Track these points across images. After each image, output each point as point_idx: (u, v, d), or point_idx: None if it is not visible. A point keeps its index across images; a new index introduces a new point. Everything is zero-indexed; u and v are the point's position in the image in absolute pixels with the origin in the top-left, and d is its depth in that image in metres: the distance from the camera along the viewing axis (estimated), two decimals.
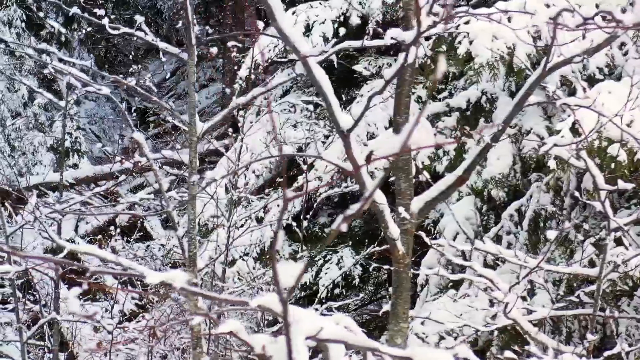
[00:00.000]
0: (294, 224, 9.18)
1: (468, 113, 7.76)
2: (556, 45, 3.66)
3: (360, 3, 11.62)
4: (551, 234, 4.76)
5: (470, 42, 7.13)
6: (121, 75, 6.94)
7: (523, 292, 5.51)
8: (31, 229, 11.00)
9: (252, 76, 11.86)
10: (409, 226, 4.65)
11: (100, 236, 19.24)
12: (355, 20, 11.59)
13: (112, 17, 28.13)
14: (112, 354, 11.37)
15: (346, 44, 5.98)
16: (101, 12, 7.35)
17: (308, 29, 11.56)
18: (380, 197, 4.41)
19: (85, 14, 6.76)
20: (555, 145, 5.03)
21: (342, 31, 8.32)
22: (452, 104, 7.79)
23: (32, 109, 21.62)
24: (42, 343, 10.13)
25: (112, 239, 16.85)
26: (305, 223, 8.90)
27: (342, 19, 11.65)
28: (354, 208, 1.59)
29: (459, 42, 7.17)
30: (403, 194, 4.67)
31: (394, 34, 3.97)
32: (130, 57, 28.85)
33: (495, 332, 6.71)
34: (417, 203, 4.69)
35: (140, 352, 11.09)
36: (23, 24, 22.47)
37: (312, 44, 11.39)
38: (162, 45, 6.75)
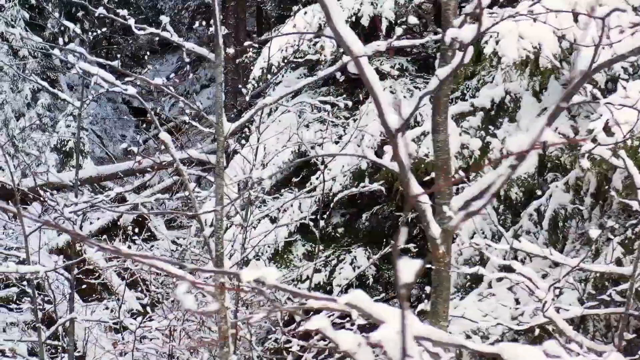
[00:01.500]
0: (312, 223, 9.19)
1: (492, 113, 7.79)
2: (603, 45, 3.67)
3: (372, 3, 11.64)
4: (593, 233, 4.78)
5: (497, 42, 7.16)
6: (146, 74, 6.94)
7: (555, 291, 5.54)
8: (47, 228, 11.02)
9: (269, 76, 11.90)
10: (449, 225, 4.66)
11: (104, 236, 19.29)
12: (366, 20, 11.62)
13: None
14: (123, 353, 11.40)
15: (375, 44, 5.99)
16: (124, 12, 7.36)
17: (320, 29, 11.58)
18: (423, 196, 4.42)
19: (112, 15, 6.76)
20: (599, 144, 5.05)
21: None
22: (477, 103, 7.82)
23: (36, 109, 21.62)
24: (58, 343, 10.12)
25: (116, 239, 16.89)
26: (322, 223, 8.91)
27: (354, 19, 11.67)
28: (476, 205, 1.60)
29: (486, 42, 7.20)
30: (443, 193, 4.69)
31: (452, 34, 3.98)
32: (143, 52, 28.82)
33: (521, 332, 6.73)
34: (457, 202, 4.70)
35: (149, 352, 11.11)
36: (23, 24, 22.52)
37: (321, 43, 11.42)
38: (189, 45, 6.76)
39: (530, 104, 7.76)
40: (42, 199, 17.52)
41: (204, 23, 9.92)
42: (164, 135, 6.74)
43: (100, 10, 6.85)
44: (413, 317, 2.38)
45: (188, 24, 28.72)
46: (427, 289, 8.98)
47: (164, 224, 21.89)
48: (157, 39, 32.19)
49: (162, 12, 28.31)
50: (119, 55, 14.38)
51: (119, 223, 21.24)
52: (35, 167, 21.24)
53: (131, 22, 6.85)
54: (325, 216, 10.12)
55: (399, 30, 4.85)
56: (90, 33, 9.70)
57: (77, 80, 26.05)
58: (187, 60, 7.52)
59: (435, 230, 4.60)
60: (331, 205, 9.10)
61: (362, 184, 9.09)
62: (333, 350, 8.90)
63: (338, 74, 7.73)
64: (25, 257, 8.79)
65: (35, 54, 22.31)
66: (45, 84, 9.77)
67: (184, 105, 7.88)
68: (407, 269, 1.76)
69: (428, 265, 6.32)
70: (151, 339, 12.38)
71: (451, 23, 4.68)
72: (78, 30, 8.22)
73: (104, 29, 10.10)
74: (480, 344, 2.54)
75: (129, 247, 18.99)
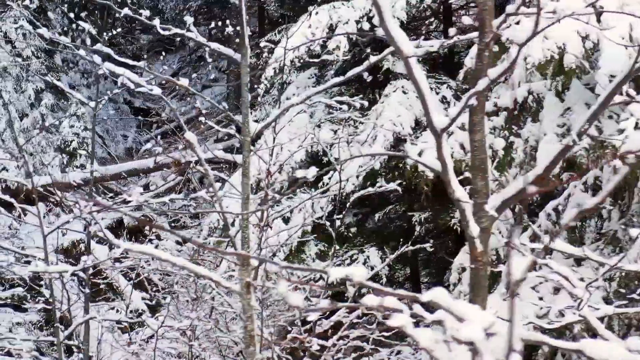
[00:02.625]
0: (327, 223, 9.21)
1: (515, 112, 7.83)
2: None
3: None
4: (634, 232, 4.81)
5: None
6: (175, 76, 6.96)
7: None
8: (57, 228, 11.03)
9: (284, 76, 11.91)
10: (487, 224, 4.70)
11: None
12: (377, 20, 11.63)
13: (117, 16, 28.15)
14: (132, 354, 11.42)
15: (427, 44, 6.00)
16: (146, 12, 7.37)
17: (331, 29, 11.61)
18: (464, 196, 4.45)
19: (136, 16, 6.78)
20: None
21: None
22: (500, 103, 7.86)
23: (40, 109, 21.63)
24: (73, 342, 10.13)
25: (120, 238, 16.89)
26: (338, 222, 8.94)
27: (365, 19, 11.69)
28: (590, 203, 1.63)
29: (510, 42, 7.19)
30: (479, 193, 4.71)
31: (509, 35, 4.01)
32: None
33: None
34: (493, 201, 4.73)
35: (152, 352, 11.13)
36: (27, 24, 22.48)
37: (335, 43, 11.45)
38: (214, 45, 6.80)
39: (552, 103, 7.80)
40: (53, 199, 17.55)
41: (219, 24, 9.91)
42: (189, 135, 6.75)
43: (125, 11, 6.86)
44: (492, 316, 2.41)
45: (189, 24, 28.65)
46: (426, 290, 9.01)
47: (168, 224, 21.92)
48: (154, 38, 32.24)
49: (163, 12, 28.30)
50: (110, 56, 14.37)
51: (124, 223, 21.34)
52: (39, 167, 21.26)
53: (156, 22, 6.86)
54: (342, 216, 10.16)
55: (452, 31, 4.84)
56: (105, 34, 9.69)
57: (79, 80, 26.06)
58: (209, 60, 7.53)
59: (474, 229, 4.64)
60: (347, 205, 9.12)
61: (378, 184, 9.11)
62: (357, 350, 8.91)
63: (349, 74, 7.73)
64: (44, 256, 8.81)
65: (39, 54, 22.32)
66: (60, 84, 9.76)
67: (209, 104, 7.89)
68: (518, 266, 1.79)
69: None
70: (158, 339, 12.40)
71: (489, 24, 4.70)
72: (93, 31, 8.23)
73: (119, 29, 10.07)
74: (560, 340, 2.57)
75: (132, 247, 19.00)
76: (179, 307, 10.58)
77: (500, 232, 9.01)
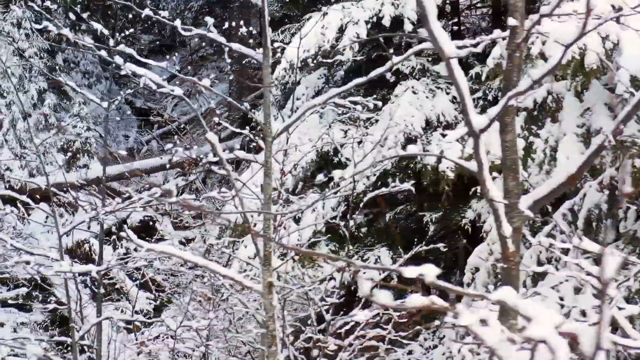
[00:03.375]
0: (342, 223, 9.23)
1: (535, 113, 7.86)
2: None
3: (392, 4, 11.69)
4: None
5: (543, 43, 7.22)
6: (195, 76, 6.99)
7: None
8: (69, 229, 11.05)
9: (298, 76, 11.92)
10: (519, 224, 4.72)
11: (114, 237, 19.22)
12: (387, 21, 11.66)
13: (119, 16, 28.16)
14: (146, 354, 11.43)
15: (469, 43, 6.00)
16: (165, 13, 7.39)
17: (341, 30, 11.63)
18: (498, 196, 4.48)
19: (158, 17, 6.80)
20: None
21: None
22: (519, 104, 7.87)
23: (43, 109, 21.62)
24: (86, 342, 10.11)
25: (123, 239, 16.89)
26: (351, 223, 8.96)
27: (375, 19, 11.71)
28: None
29: (532, 43, 7.26)
30: (511, 193, 4.74)
31: (555, 37, 4.03)
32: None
33: None
34: (525, 201, 4.76)
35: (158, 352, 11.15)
36: (29, 25, 22.49)
37: (345, 44, 11.47)
38: (236, 46, 6.81)
39: (572, 104, 7.82)
40: (56, 199, 17.55)
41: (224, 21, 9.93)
42: (211, 136, 6.77)
43: (147, 12, 6.88)
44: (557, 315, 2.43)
45: (191, 24, 28.67)
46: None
47: (171, 224, 21.92)
48: (154, 39, 32.24)
49: (162, 11, 28.21)
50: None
51: (128, 223, 21.33)
52: (42, 167, 21.25)
53: (177, 23, 6.88)
54: (354, 216, 10.18)
55: (496, 32, 4.85)
56: (118, 34, 9.70)
57: (80, 80, 26.02)
58: (229, 61, 7.55)
59: (506, 229, 4.66)
60: (361, 205, 9.15)
61: (392, 184, 9.12)
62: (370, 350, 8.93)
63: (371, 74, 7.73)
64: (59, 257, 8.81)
65: (42, 54, 22.31)
66: (73, 84, 9.72)
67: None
68: (611, 265, 1.81)
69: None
70: (163, 339, 12.41)
71: (520, 24, 4.72)
72: (106, 32, 8.21)
73: (131, 30, 10.08)
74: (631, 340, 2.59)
75: (136, 248, 19.00)
76: (194, 307, 10.61)
77: None
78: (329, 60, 9.23)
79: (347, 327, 9.05)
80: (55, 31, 6.39)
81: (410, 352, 10.63)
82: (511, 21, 3.88)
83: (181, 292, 17.23)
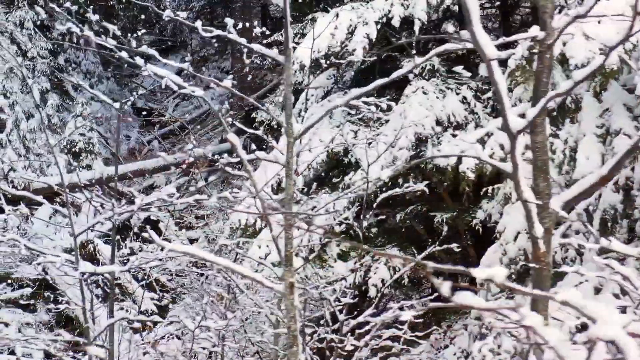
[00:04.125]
0: (355, 224, 9.24)
1: (554, 114, 7.88)
2: None
3: (402, 4, 11.71)
4: None
5: (564, 44, 7.24)
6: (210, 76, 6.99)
7: None
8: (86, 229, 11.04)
9: (311, 77, 11.93)
10: (549, 225, 4.74)
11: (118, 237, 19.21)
12: (397, 21, 11.68)
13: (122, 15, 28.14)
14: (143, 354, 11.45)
15: (448, 45, 6.03)
16: (184, 14, 7.38)
17: (351, 30, 11.65)
18: (531, 197, 4.50)
19: (179, 18, 6.80)
20: None
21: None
22: None
23: (46, 110, 21.63)
24: (98, 343, 10.10)
25: (127, 239, 16.89)
26: (365, 223, 8.98)
27: (384, 20, 11.72)
28: None
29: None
30: (542, 194, 4.76)
31: (602, 40, 4.05)
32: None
33: None
34: (556, 202, 4.78)
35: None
36: (32, 25, 22.51)
37: (355, 44, 11.48)
38: (256, 47, 6.79)
39: (590, 104, 7.85)
40: (60, 199, 17.41)
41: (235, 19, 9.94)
42: (232, 137, 6.76)
43: (167, 13, 6.88)
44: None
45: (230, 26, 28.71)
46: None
47: (175, 225, 21.94)
48: (155, 39, 32.22)
49: (164, 11, 28.20)
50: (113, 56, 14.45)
51: (131, 223, 21.31)
52: (45, 167, 21.27)
53: (198, 24, 6.87)
54: (367, 216, 10.19)
55: (535, 30, 4.85)
56: (130, 34, 9.69)
57: (82, 80, 26.02)
58: (247, 61, 7.55)
59: (538, 230, 4.68)
60: (374, 205, 9.16)
61: (406, 184, 9.14)
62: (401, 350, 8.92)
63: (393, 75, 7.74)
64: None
65: (44, 54, 22.32)
66: (85, 85, 9.74)
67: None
68: None
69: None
70: (168, 339, 12.41)
71: (548, 26, 4.74)
72: (118, 32, 8.20)
73: (143, 31, 10.08)
74: None
75: (140, 248, 19.00)
76: (201, 307, 10.62)
77: (527, 234, 9.05)
78: (342, 61, 9.23)
79: (363, 328, 9.08)
80: (78, 32, 6.37)
81: (421, 352, 10.65)
82: (541, 22, 3.89)
83: (186, 292, 17.26)
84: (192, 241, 21.79)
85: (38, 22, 22.54)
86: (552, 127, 7.81)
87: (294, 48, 11.87)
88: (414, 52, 11.86)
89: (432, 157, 7.10)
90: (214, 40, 9.20)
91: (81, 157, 21.79)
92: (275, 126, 19.55)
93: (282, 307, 9.14)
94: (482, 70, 9.50)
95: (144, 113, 26.76)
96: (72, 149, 21.67)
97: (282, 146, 8.04)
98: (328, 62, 10.66)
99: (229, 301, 8.80)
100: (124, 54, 7.03)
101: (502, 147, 7.67)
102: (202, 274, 15.15)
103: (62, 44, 23.61)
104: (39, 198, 9.37)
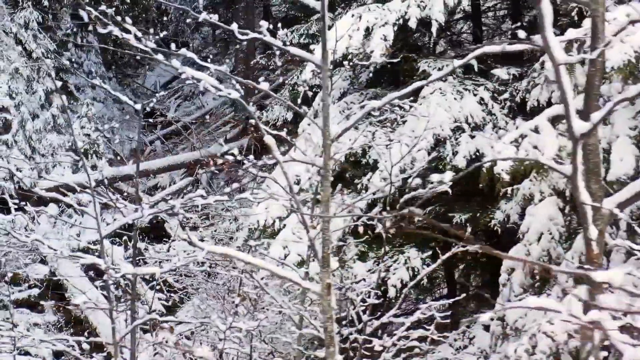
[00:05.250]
0: (380, 225, 9.26)
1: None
2: None
3: (418, 6, 11.75)
4: None
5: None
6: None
7: None
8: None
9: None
10: (602, 227, 4.80)
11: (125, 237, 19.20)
12: (414, 22, 11.72)
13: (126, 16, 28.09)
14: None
15: (487, 48, 6.08)
16: (215, 16, 7.40)
17: (368, 32, 11.68)
18: (587, 199, 4.54)
19: (212, 19, 6.82)
20: None
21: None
22: None
23: (51, 110, 21.62)
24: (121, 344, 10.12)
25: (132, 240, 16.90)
26: (388, 224, 8.99)
27: (401, 21, 11.77)
28: None
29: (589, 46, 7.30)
30: (594, 196, 4.81)
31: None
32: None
33: None
34: (608, 204, 4.83)
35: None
36: (37, 25, 22.50)
37: (373, 46, 11.53)
38: (294, 50, 6.84)
39: (622, 106, 7.87)
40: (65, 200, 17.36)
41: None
42: (269, 139, 6.80)
43: (204, 16, 6.90)
44: None
45: (195, 25, 28.72)
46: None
47: (180, 225, 21.92)
48: (157, 39, 32.05)
49: (167, 12, 28.30)
50: (115, 56, 14.52)
51: (137, 223, 21.28)
52: (51, 168, 21.27)
53: (234, 26, 6.90)
54: (389, 217, 10.22)
55: (574, 32, 4.92)
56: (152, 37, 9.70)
57: (83, 81, 25.97)
58: (279, 64, 7.58)
59: (592, 232, 4.73)
60: (397, 206, 9.17)
61: (430, 185, 9.15)
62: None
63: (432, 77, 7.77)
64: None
65: (49, 55, 22.31)
66: (108, 87, 9.76)
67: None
68: None
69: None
70: (180, 339, 12.42)
71: (599, 28, 4.79)
72: (139, 34, 8.21)
73: (164, 33, 10.12)
74: None
75: (146, 247, 19.06)
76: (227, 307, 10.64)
77: (551, 235, 9.11)
78: (365, 63, 9.27)
79: (385, 328, 9.12)
80: (120, 36, 6.39)
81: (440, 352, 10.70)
82: (593, 26, 3.94)
83: (194, 293, 17.28)
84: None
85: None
86: None
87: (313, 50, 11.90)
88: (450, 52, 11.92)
89: (494, 159, 7.13)
90: (217, 40, 9.18)
91: (87, 158, 21.77)
92: (280, 126, 19.58)
93: (306, 306, 9.18)
94: (550, 74, 9.47)
95: (147, 110, 26.75)
96: (77, 149, 21.64)
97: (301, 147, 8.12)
98: (350, 63, 10.71)
99: (255, 302, 8.83)
100: (160, 57, 7.06)
101: (535, 148, 7.72)
102: (209, 274, 15.20)
103: (67, 44, 23.63)
104: (70, 200, 9.39)
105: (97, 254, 17.37)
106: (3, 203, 14.17)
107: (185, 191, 24.15)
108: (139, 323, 9.29)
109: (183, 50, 6.76)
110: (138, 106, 10.36)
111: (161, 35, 8.00)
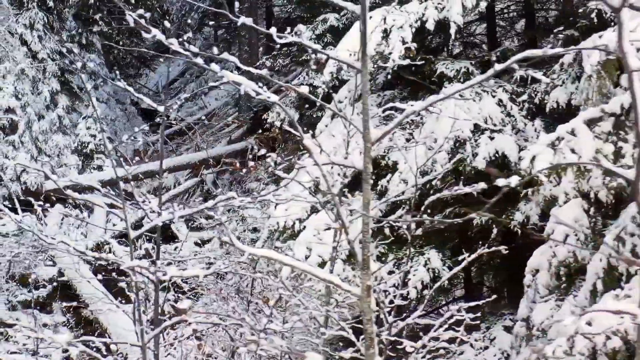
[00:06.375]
0: (404, 226, 9.31)
1: (622, 118, 7.98)
2: None
3: (436, 7, 11.79)
4: None
5: (638, 50, 7.33)
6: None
7: None
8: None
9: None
10: None
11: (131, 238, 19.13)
12: (431, 24, 11.77)
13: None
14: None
15: (528, 52, 6.10)
16: (249, 20, 7.42)
17: (386, 33, 11.73)
18: None
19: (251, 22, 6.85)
20: None
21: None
22: (607, 109, 7.99)
23: (57, 111, 21.62)
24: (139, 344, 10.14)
25: (139, 240, 16.92)
26: (413, 225, 9.07)
27: (419, 23, 11.81)
28: None
29: None
30: None
31: None
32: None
33: None
34: None
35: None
36: (42, 27, 22.49)
37: (392, 48, 11.57)
38: (333, 54, 6.83)
39: None
40: (72, 200, 17.39)
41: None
42: (308, 142, 6.82)
43: (243, 20, 6.92)
44: None
45: (197, 25, 28.72)
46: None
47: (186, 226, 21.98)
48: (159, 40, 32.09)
49: (169, 13, 28.31)
50: (117, 56, 14.44)
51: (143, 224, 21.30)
52: (57, 168, 21.27)
53: (273, 30, 6.92)
54: (406, 218, 10.26)
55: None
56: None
57: (86, 81, 25.97)
58: (314, 67, 7.62)
59: None
60: (423, 208, 9.22)
61: (456, 187, 9.17)
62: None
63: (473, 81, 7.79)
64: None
65: (54, 56, 22.31)
66: (131, 89, 9.76)
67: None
68: None
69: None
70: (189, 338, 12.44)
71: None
72: (162, 37, 8.20)
73: (188, 35, 10.11)
74: None
75: (153, 247, 19.04)
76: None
77: (576, 236, 9.17)
78: (387, 65, 9.31)
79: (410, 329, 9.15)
80: (164, 40, 6.40)
81: (461, 353, 10.75)
82: None
83: (203, 293, 17.28)
84: (204, 242, 21.84)
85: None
86: (620, 131, 7.93)
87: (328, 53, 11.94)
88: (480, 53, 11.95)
89: (559, 165, 7.16)
90: (219, 41, 9.21)
91: (92, 158, 21.83)
92: (287, 127, 19.56)
93: (330, 307, 9.22)
94: (623, 81, 9.50)
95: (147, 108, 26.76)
96: (83, 150, 21.68)
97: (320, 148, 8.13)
98: (375, 65, 10.76)
99: (285, 303, 8.86)
100: (199, 60, 7.08)
101: (572, 151, 7.77)
102: (218, 275, 15.21)
103: (71, 45, 23.63)
104: (100, 203, 9.40)
105: (105, 254, 17.22)
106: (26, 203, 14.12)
107: (190, 191, 24.22)
108: (167, 325, 9.31)
109: (225, 55, 6.77)
110: (161, 108, 10.38)
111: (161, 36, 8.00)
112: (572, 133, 7.86)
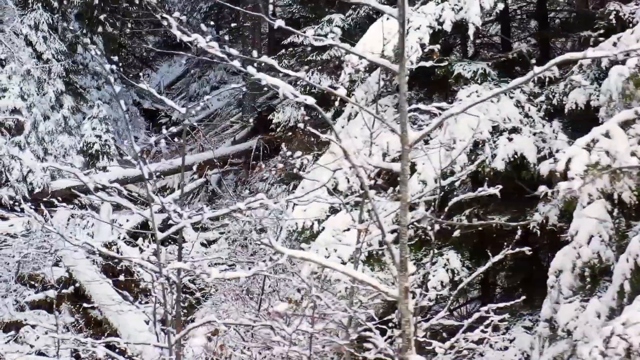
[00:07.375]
0: (428, 228, 9.33)
1: None
2: None
3: (453, 9, 11.82)
4: None
5: None
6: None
7: None
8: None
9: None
10: None
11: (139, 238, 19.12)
12: (448, 25, 11.80)
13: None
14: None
15: (568, 55, 6.13)
16: (281, 22, 7.42)
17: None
18: None
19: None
20: None
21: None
22: None
23: (62, 112, 21.60)
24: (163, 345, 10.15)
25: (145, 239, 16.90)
26: (437, 227, 9.08)
27: (436, 24, 11.84)
28: None
29: None
30: None
31: None
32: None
33: None
34: None
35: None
36: (47, 27, 22.47)
37: (409, 49, 11.58)
38: (370, 57, 6.85)
39: None
40: (78, 200, 17.48)
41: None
42: (345, 144, 6.84)
43: (279, 22, 6.93)
44: None
45: (198, 26, 28.71)
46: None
47: (191, 226, 21.93)
48: (160, 40, 32.25)
49: (170, 13, 28.24)
50: (119, 57, 14.44)
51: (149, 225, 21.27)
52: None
53: (310, 32, 6.94)
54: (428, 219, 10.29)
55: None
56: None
57: (89, 82, 25.89)
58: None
59: None
60: (445, 209, 9.24)
61: (479, 189, 9.22)
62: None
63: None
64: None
65: (59, 56, 22.27)
66: (154, 91, 9.76)
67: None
68: None
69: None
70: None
71: None
72: (191, 39, 8.20)
73: (209, 38, 10.11)
74: None
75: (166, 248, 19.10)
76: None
77: (601, 237, 9.21)
78: (412, 66, 9.33)
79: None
80: (204, 45, 6.41)
81: (481, 354, 10.78)
82: None
83: (213, 294, 17.25)
84: (210, 242, 21.83)
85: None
86: None
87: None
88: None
89: (620, 168, 7.17)
90: (220, 41, 9.24)
91: (97, 159, 21.80)
92: (292, 127, 19.62)
93: (353, 307, 9.23)
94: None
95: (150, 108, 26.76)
96: (88, 150, 21.65)
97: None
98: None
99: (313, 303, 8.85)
100: (236, 63, 7.09)
101: (607, 153, 7.81)
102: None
103: (76, 45, 23.61)
104: (130, 206, 9.41)
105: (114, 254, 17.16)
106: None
107: (194, 192, 24.20)
108: (195, 326, 9.31)
109: (264, 58, 6.78)
110: (183, 110, 10.39)
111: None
112: (607, 135, 7.91)
